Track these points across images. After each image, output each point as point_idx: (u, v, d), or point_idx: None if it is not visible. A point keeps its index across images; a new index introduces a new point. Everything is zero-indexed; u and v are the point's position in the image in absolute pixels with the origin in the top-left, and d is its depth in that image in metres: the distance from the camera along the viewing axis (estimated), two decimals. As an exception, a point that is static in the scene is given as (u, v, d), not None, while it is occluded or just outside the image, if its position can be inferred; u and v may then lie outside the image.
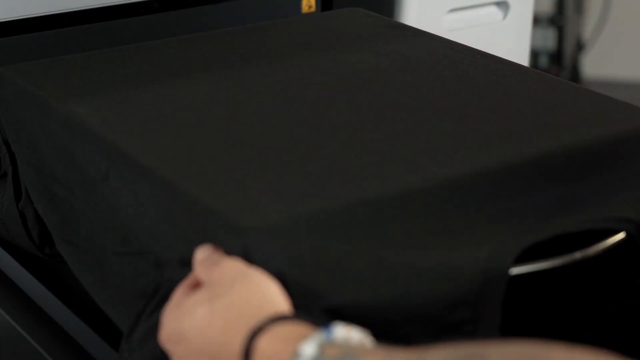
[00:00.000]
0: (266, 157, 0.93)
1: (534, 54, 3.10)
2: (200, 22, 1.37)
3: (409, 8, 1.52)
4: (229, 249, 0.81)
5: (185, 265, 0.84)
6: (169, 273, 0.86)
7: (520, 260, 0.81)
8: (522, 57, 1.62)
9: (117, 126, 0.99)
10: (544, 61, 3.24)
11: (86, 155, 0.97)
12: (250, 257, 0.79)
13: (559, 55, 3.23)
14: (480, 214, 0.85)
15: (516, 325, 0.82)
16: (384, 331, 0.78)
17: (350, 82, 1.11)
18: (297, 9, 1.45)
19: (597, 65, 3.51)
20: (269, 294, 0.78)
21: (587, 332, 0.90)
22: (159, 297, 0.85)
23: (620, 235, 0.86)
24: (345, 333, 0.72)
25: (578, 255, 0.84)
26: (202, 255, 0.82)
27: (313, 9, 1.46)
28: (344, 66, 1.15)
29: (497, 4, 1.61)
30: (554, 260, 0.84)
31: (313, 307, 0.77)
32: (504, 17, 1.62)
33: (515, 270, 0.81)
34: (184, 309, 0.79)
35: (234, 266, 0.79)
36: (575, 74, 3.32)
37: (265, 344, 0.74)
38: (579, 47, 3.38)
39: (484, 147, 0.93)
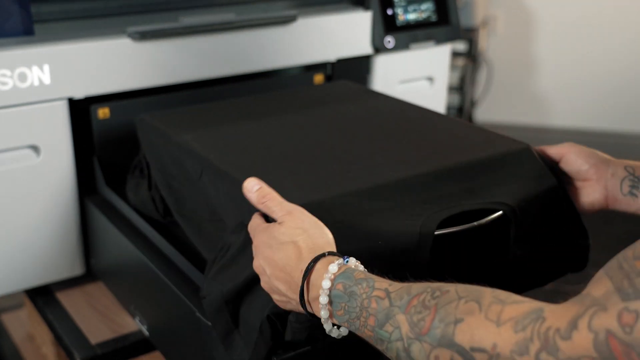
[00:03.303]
0: (295, 166, 0.92)
1: (448, 108, 3.14)
2: (256, 88, 1.36)
3: (377, 80, 1.50)
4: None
5: (235, 232, 0.84)
6: (228, 236, 0.86)
7: (442, 226, 0.81)
8: (441, 109, 1.62)
9: (206, 147, 0.98)
10: (452, 112, 3.28)
11: (189, 163, 0.97)
12: None
13: (461, 109, 3.28)
14: (418, 198, 0.85)
15: (439, 266, 0.82)
16: (366, 265, 0.76)
17: (341, 122, 1.09)
18: (311, 82, 1.44)
19: (483, 114, 3.56)
20: (330, 241, 0.74)
21: (478, 271, 0.89)
22: (224, 250, 0.85)
23: (499, 213, 0.85)
24: (354, 262, 0.71)
25: (476, 223, 0.84)
26: (254, 186, 0.78)
27: (321, 81, 1.45)
28: (338, 113, 1.13)
29: (427, 78, 1.60)
30: (462, 226, 0.83)
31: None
32: (431, 86, 1.60)
33: (438, 232, 0.80)
34: (273, 240, 0.74)
35: (307, 216, 0.75)
36: (470, 120, 3.35)
37: (317, 266, 0.71)
38: (472, 104, 3.40)
39: (421, 160, 0.92)
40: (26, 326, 1.47)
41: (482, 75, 3.42)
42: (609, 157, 0.92)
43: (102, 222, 1.17)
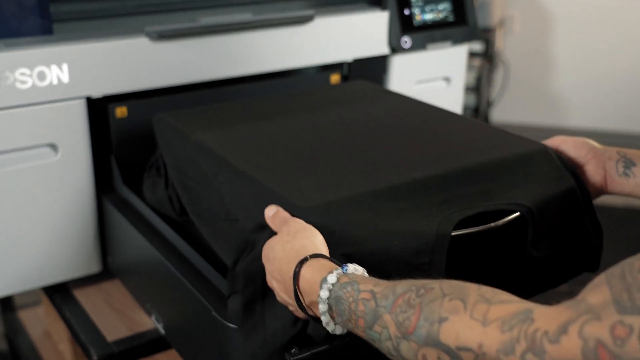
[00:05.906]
0: (311, 166, 0.92)
1: (464, 108, 3.14)
2: (273, 88, 1.37)
3: (394, 80, 1.50)
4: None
5: (261, 229, 0.83)
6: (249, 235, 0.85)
7: (459, 227, 0.80)
8: (457, 109, 1.62)
9: (223, 146, 0.98)
10: (469, 112, 3.27)
11: (205, 163, 0.97)
12: None
13: (477, 109, 3.27)
14: (434, 199, 0.84)
15: (455, 267, 0.81)
16: (377, 269, 0.77)
17: (358, 122, 1.09)
18: (327, 82, 1.44)
19: (499, 115, 3.55)
20: (317, 242, 0.76)
21: (494, 272, 0.87)
22: (248, 249, 0.84)
23: (516, 214, 0.85)
24: (353, 269, 0.72)
25: (493, 225, 0.83)
26: (271, 211, 0.81)
27: (337, 81, 1.45)
28: (354, 113, 1.13)
29: (443, 79, 1.59)
30: (479, 227, 0.82)
31: (335, 253, 0.76)
32: (448, 86, 1.60)
33: (455, 233, 0.80)
34: (270, 245, 0.78)
35: (297, 223, 0.77)
36: (486, 120, 3.35)
37: (305, 270, 0.73)
38: (488, 104, 3.39)
39: (437, 161, 0.92)
40: (43, 323, 1.48)
41: (498, 76, 3.41)
42: (599, 145, 0.97)
43: (119, 221, 1.17)
